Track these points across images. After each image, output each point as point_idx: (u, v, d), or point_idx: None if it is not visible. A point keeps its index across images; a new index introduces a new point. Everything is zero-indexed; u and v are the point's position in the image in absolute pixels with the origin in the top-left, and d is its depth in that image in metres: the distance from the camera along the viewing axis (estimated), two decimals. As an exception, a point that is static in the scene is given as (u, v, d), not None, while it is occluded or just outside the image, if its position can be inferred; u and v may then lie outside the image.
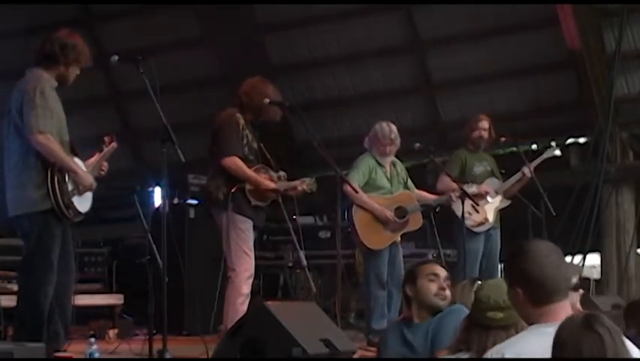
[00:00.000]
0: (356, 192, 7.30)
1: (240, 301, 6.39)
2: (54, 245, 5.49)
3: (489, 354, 3.03)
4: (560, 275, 3.05)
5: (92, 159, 5.80)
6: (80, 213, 5.61)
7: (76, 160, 5.66)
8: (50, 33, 5.74)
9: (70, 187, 5.51)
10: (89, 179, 5.61)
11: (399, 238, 7.62)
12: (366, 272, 7.61)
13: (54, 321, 5.56)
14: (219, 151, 6.45)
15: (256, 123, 6.83)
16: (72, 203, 5.51)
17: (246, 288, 6.44)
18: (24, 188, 5.45)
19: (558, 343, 2.62)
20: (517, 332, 3.31)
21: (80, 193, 5.60)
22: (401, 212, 7.53)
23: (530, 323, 3.06)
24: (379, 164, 7.62)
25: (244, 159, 6.51)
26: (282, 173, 6.72)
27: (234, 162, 6.46)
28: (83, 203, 5.63)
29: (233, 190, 6.42)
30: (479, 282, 3.79)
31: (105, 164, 5.86)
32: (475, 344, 3.42)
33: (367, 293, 7.52)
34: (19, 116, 5.47)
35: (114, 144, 5.87)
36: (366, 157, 7.66)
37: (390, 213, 7.47)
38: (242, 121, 6.59)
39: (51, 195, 5.42)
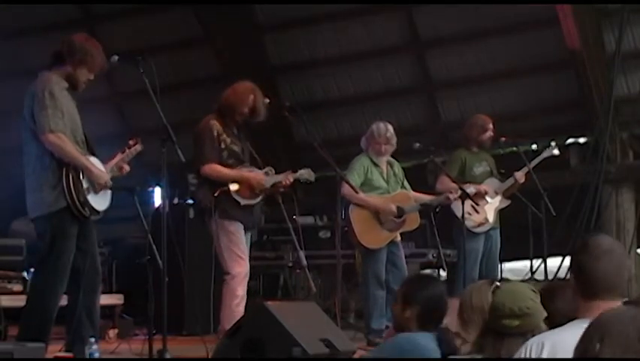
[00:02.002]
0: (356, 192, 7.31)
1: (235, 302, 6.40)
2: (68, 246, 5.51)
3: (530, 343, 3.00)
4: (613, 275, 3.02)
5: (113, 160, 5.80)
6: (96, 211, 5.62)
7: (93, 159, 5.67)
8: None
9: (85, 185, 5.52)
10: (104, 177, 5.63)
11: (399, 237, 7.62)
12: (364, 272, 7.61)
13: (81, 325, 5.56)
14: (197, 161, 6.44)
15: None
16: (87, 201, 5.52)
17: (241, 290, 6.45)
18: (41, 190, 5.49)
19: (601, 326, 2.50)
20: None
21: (96, 191, 5.61)
22: (398, 211, 7.53)
23: (575, 316, 3.03)
24: (375, 164, 7.63)
25: (222, 165, 6.52)
26: (268, 168, 6.71)
27: (211, 169, 6.49)
28: (100, 201, 5.64)
29: (216, 195, 6.42)
30: (497, 283, 3.74)
31: (126, 166, 5.86)
32: (489, 350, 3.37)
33: (366, 293, 7.52)
34: (32, 119, 5.50)
35: (138, 146, 5.89)
36: (361, 158, 7.66)
37: (394, 207, 7.47)
38: (217, 127, 6.58)
39: (66, 193, 5.44)
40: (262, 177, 6.61)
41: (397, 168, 7.81)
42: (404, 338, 4.18)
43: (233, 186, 6.50)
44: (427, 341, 4.06)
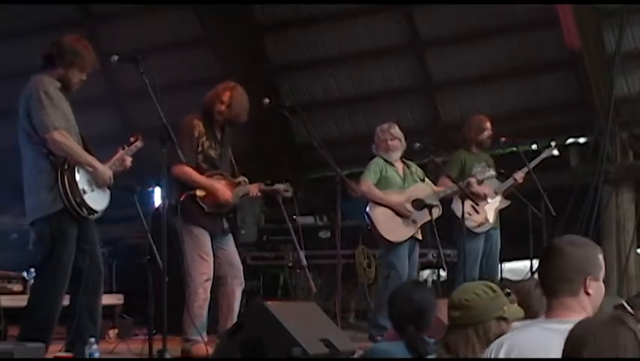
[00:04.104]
0: (355, 191, 7.37)
1: (197, 304, 6.35)
2: (68, 247, 5.50)
3: (492, 345, 3.04)
4: (552, 275, 3.03)
5: (114, 157, 5.79)
6: (94, 210, 5.61)
7: None
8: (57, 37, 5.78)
9: (81, 185, 5.51)
10: (108, 172, 5.63)
11: (420, 235, 7.67)
12: (385, 266, 7.65)
13: (81, 325, 5.56)
14: (170, 160, 6.08)
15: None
16: (84, 201, 5.52)
17: (204, 292, 6.39)
18: (38, 192, 5.49)
19: (582, 337, 2.54)
20: (476, 334, 3.33)
21: (99, 187, 5.60)
22: (419, 204, 7.58)
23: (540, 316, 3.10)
24: (389, 163, 7.70)
25: (196, 168, 6.45)
26: (242, 178, 6.66)
27: (181, 170, 6.35)
28: (97, 200, 5.63)
29: (182, 199, 6.36)
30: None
31: (128, 158, 5.84)
32: (440, 341, 3.50)
33: (383, 287, 7.53)
34: (28, 122, 5.50)
35: (138, 143, 5.87)
36: (375, 159, 7.79)
37: (408, 206, 7.51)
38: (200, 127, 6.51)
39: (62, 194, 5.44)
40: (229, 194, 6.52)
41: (415, 167, 7.94)
42: (376, 347, 4.41)
43: (200, 192, 6.44)
44: (397, 349, 4.15)
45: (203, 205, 6.44)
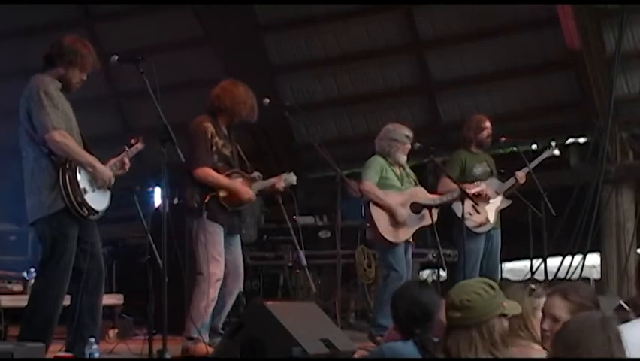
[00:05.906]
0: (353, 189, 7.39)
1: (203, 304, 6.38)
2: (68, 247, 5.50)
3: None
4: None
5: (113, 160, 5.79)
6: (95, 211, 5.61)
7: None
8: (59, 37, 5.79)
9: (82, 185, 5.51)
10: (108, 173, 5.63)
11: (411, 238, 7.66)
12: (385, 266, 7.64)
13: (81, 325, 5.56)
14: (190, 161, 6.23)
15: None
16: (85, 201, 5.51)
17: (214, 292, 6.42)
18: (39, 192, 5.48)
19: (565, 337, 2.59)
20: (480, 334, 3.31)
21: (99, 187, 5.60)
22: (416, 207, 7.57)
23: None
24: (390, 164, 7.67)
25: (213, 168, 6.50)
26: (256, 173, 6.71)
27: (206, 173, 6.44)
28: (98, 201, 5.62)
29: (206, 200, 6.40)
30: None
31: (127, 161, 5.84)
32: (441, 343, 3.48)
33: (383, 287, 7.53)
34: (29, 122, 5.49)
35: (139, 145, 5.87)
36: (377, 158, 7.72)
37: (406, 211, 7.51)
38: (211, 128, 6.55)
39: (63, 194, 5.43)
40: (251, 193, 6.60)
41: (409, 170, 7.89)
42: (387, 347, 4.34)
43: (222, 193, 6.49)
44: (407, 349, 4.15)
45: (226, 205, 6.49)
